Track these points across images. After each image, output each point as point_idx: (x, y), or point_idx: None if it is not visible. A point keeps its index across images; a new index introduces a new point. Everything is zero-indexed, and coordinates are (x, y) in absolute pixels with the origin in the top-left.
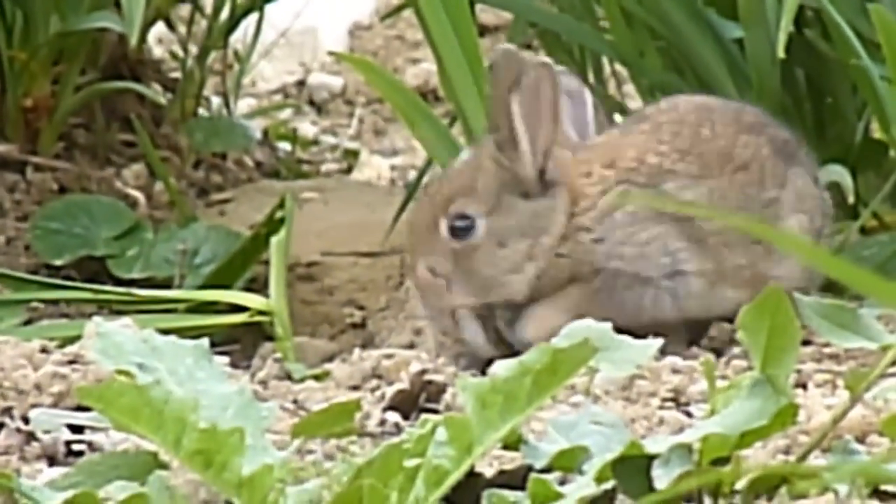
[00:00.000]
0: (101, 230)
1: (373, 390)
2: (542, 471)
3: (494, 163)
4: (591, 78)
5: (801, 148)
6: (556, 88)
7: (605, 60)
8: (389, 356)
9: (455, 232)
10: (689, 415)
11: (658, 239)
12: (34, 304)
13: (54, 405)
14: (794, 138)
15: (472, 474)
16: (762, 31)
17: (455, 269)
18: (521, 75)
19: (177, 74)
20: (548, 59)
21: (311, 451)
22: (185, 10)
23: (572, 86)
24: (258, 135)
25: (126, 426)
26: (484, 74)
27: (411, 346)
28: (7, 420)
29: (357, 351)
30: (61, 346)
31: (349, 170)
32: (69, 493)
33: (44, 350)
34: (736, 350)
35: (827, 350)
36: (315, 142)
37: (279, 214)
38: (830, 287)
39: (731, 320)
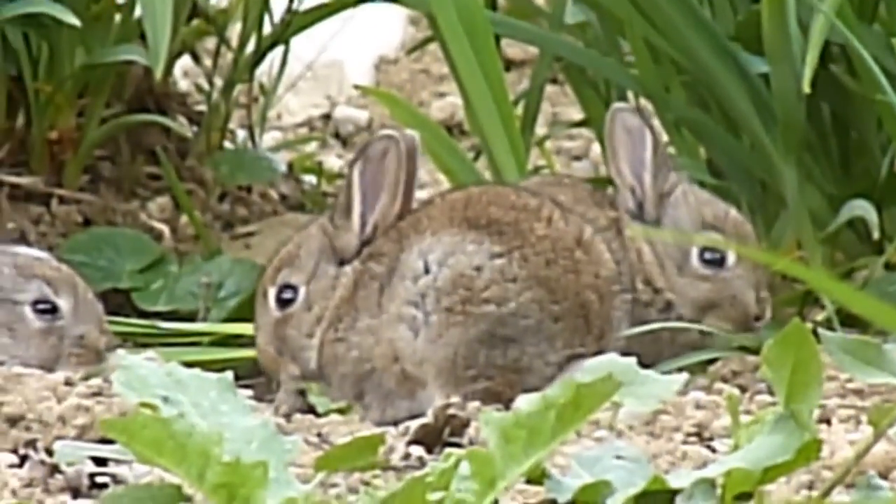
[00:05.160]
0: (126, 263)
1: (396, 424)
2: None
3: (320, 229)
4: None
5: None
6: (400, 161)
7: (630, 95)
8: None
9: (281, 302)
10: (712, 450)
11: None
12: None
13: (78, 437)
14: None
15: None
16: (788, 67)
17: (278, 338)
18: (368, 146)
19: (202, 107)
20: (394, 132)
21: (334, 485)
22: (210, 43)
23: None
24: (283, 168)
25: (150, 459)
26: (510, 108)
27: None
28: (31, 452)
29: None
30: (85, 378)
31: None
32: None
33: (68, 383)
34: (760, 385)
35: (851, 385)
36: (340, 175)
37: None
38: (855, 322)
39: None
